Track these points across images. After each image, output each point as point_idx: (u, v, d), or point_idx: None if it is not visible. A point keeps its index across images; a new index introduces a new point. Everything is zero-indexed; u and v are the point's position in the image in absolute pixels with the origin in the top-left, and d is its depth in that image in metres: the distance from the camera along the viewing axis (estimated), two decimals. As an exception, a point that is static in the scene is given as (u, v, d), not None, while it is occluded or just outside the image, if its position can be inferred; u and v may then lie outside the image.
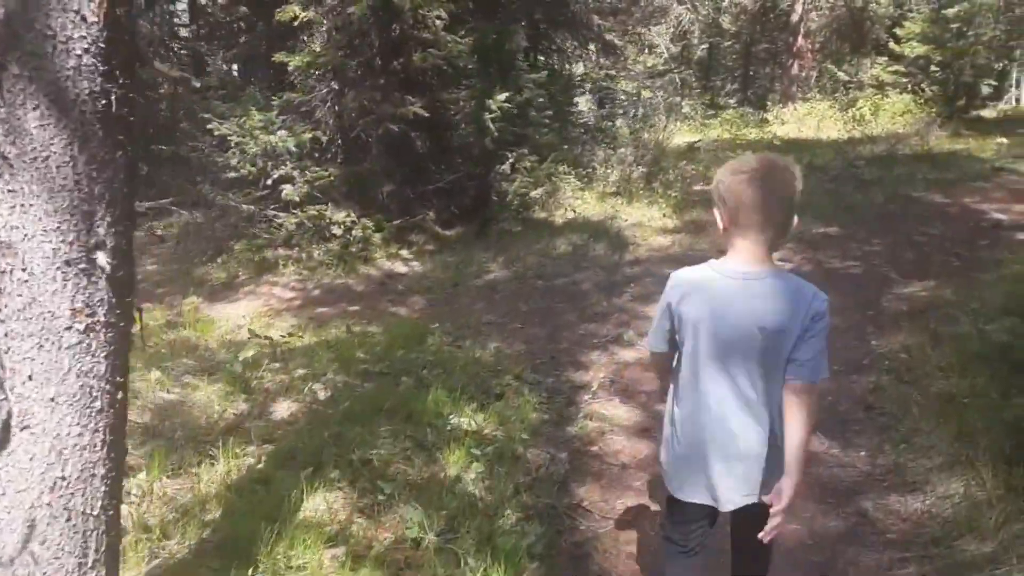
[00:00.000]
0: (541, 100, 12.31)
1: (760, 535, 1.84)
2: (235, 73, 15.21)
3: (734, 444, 1.90)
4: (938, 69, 20.08)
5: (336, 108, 8.86)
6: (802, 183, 1.89)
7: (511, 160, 10.19)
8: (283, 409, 4.24)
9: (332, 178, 8.76)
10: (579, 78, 13.13)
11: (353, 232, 8.48)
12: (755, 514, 1.88)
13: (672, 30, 25.59)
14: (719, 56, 31.63)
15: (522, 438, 3.90)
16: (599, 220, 9.75)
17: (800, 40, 23.66)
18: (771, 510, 1.82)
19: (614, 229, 9.04)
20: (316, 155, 9.11)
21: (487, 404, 4.33)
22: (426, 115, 8.43)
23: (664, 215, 9.75)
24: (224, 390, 4.50)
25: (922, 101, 18.00)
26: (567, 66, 13.85)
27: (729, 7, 26.28)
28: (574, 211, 10.13)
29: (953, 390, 3.93)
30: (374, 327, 6.00)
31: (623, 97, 25.05)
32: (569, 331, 5.79)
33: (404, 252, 8.82)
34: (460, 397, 4.29)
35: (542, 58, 14.04)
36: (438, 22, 8.37)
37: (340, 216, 8.73)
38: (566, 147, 12.91)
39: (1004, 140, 12.58)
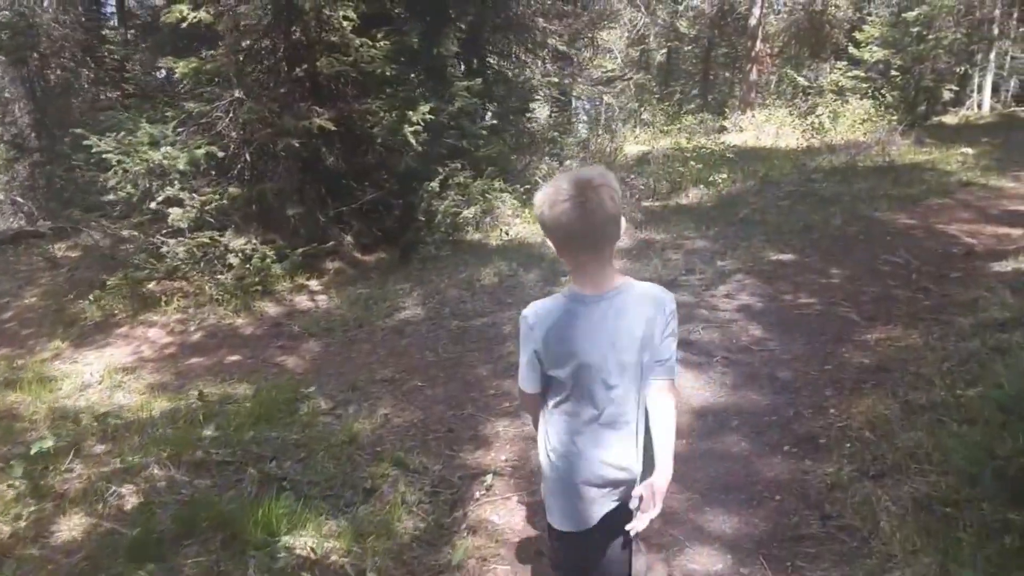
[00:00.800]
0: (486, 109, 11.46)
1: (628, 526, 1.89)
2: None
3: (609, 465, 1.93)
4: (898, 74, 19.62)
5: (239, 120, 7.84)
6: (620, 192, 1.86)
7: (441, 176, 9.27)
8: (71, 526, 3.24)
9: (232, 199, 7.75)
10: (522, 84, 12.21)
11: (252, 261, 7.48)
12: (619, 520, 1.94)
13: (628, 34, 24.90)
14: (679, 61, 31.04)
15: (378, 567, 2.96)
16: (536, 242, 8.84)
17: (758, 44, 23.08)
18: (642, 504, 1.85)
19: (550, 255, 8.12)
20: (214, 173, 8.08)
21: (349, 508, 3.40)
22: (333, 128, 7.45)
23: (608, 236, 8.88)
24: (13, 492, 3.49)
25: (882, 107, 17.47)
26: (512, 73, 12.96)
27: (685, 11, 25.68)
28: (507, 233, 9.21)
29: (932, 491, 3.07)
30: (244, 387, 5.01)
31: (576, 105, 24.30)
32: (478, 390, 4.86)
33: (312, 283, 7.84)
34: (312, 501, 3.34)
35: (494, 61, 13.17)
36: (345, 23, 7.40)
37: (239, 243, 7.73)
38: (514, 158, 12.05)
39: (969, 151, 11.96)
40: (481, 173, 10.14)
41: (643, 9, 19.90)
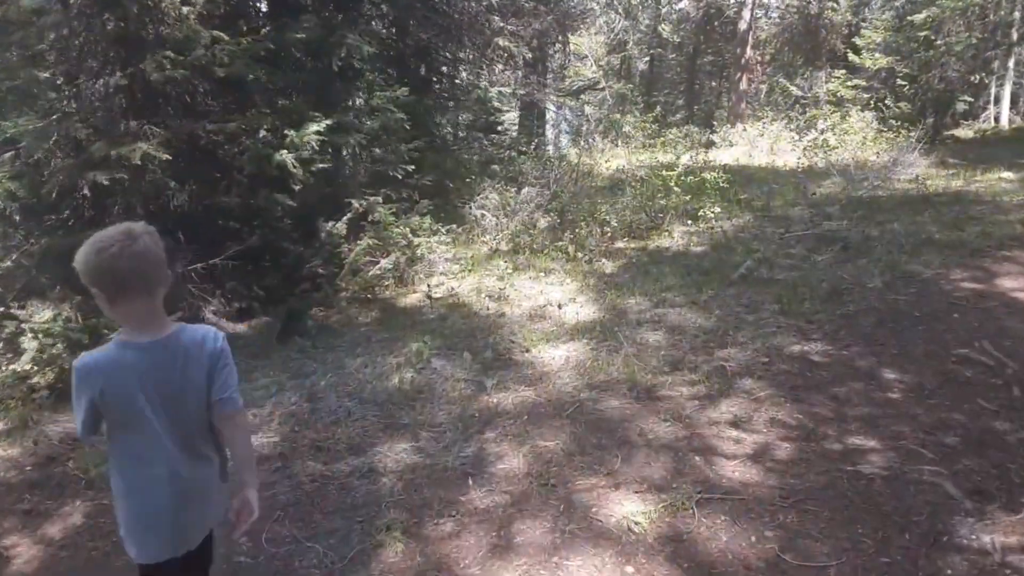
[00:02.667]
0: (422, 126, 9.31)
1: (236, 535, 2.25)
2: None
3: (183, 496, 2.01)
4: (905, 83, 17.69)
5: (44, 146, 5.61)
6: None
7: (350, 215, 7.11)
8: None
9: (42, 255, 5.54)
10: (467, 94, 10.04)
11: (54, 348, 5.24)
12: (205, 548, 2.16)
13: (606, 40, 22.86)
14: (662, 69, 29.00)
15: None
16: (477, 303, 6.67)
17: (748, 51, 21.09)
18: (239, 518, 1.99)
19: (488, 326, 5.96)
20: (18, 218, 5.85)
21: None
22: (165, 156, 5.24)
23: (568, 294, 6.71)
24: None
25: (887, 120, 15.52)
26: (458, 80, 10.81)
27: (668, 14, 23.67)
28: (430, 294, 6.99)
29: None
30: None
31: (556, 118, 22.19)
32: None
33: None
34: None
35: (445, 69, 11.02)
36: (185, 9, 5.20)
37: (45, 317, 5.52)
38: (459, 185, 9.88)
39: (1009, 174, 9.91)
40: (411, 208, 7.99)
41: (620, 11, 17.81)
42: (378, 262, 7.13)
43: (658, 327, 5.53)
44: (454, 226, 8.03)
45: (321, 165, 6.31)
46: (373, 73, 8.02)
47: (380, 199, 7.62)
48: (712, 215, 8.51)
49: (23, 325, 5.30)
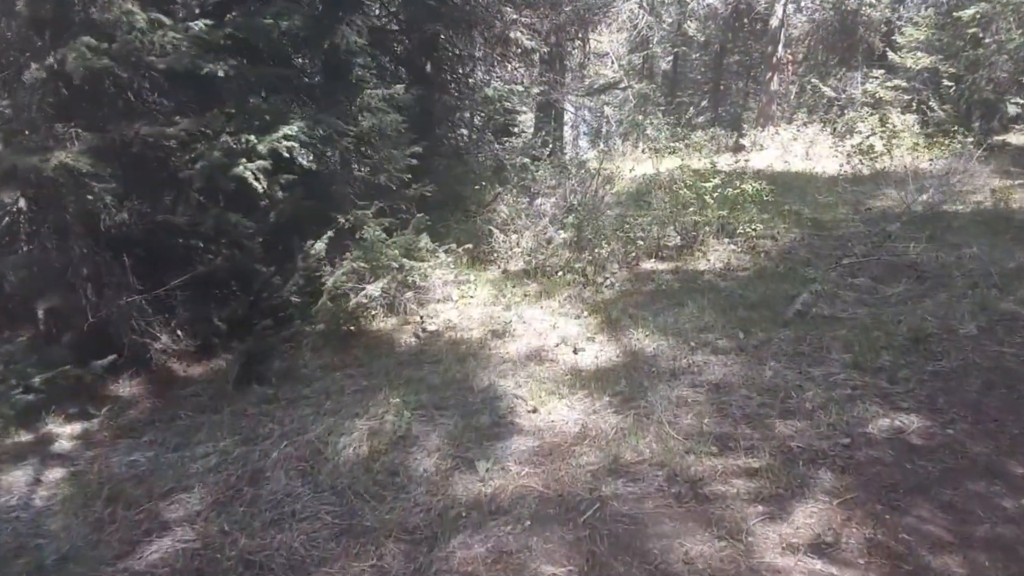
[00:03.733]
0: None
1: None
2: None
3: None
4: (951, 84, 16.42)
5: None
6: None
7: (331, 232, 6.07)
8: None
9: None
10: (474, 93, 8.99)
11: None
12: None
13: (629, 38, 21.72)
14: (687, 68, 27.76)
15: None
16: (478, 341, 5.61)
17: (780, 50, 19.86)
18: None
19: (487, 373, 4.88)
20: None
21: None
22: (89, 167, 4.22)
23: (586, 330, 5.62)
24: None
25: (931, 124, 14.31)
26: (464, 78, 9.75)
27: (695, 11, 22.47)
28: (423, 327, 5.93)
29: None
30: None
31: (574, 119, 21.03)
32: None
33: (67, 431, 4.58)
34: None
35: (452, 66, 9.98)
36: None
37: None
38: (481, 188, 8.80)
39: (1092, 188, 8.70)
40: (406, 223, 6.95)
41: (644, 5, 16.67)
42: (364, 288, 6.07)
43: (698, 383, 4.42)
44: (454, 245, 6.94)
45: (288, 176, 5.26)
46: (365, 68, 6.96)
47: (371, 213, 6.58)
48: (754, 232, 7.38)
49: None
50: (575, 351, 5.17)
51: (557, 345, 5.35)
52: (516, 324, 5.85)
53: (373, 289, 6.10)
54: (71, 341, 4.98)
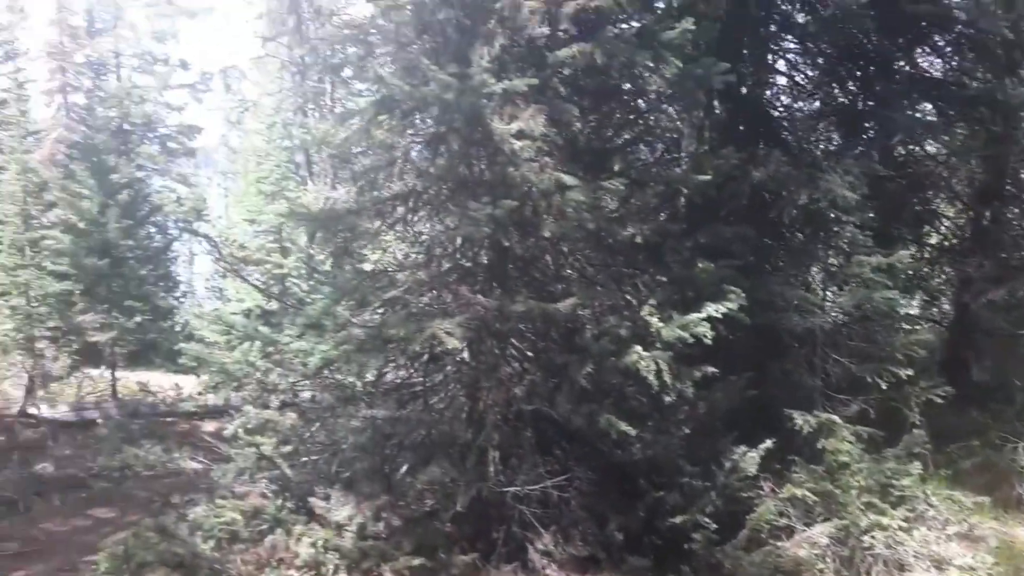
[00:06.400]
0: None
1: None
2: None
3: None
4: None
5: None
6: None
7: (771, 442, 4.68)
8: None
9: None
10: None
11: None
12: None
13: None
14: None
15: None
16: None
17: None
18: None
19: None
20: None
21: None
22: (454, 344, 3.68)
23: None
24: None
25: None
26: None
27: None
28: None
29: None
30: None
31: None
32: None
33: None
34: None
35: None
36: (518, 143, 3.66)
37: (343, 514, 4.49)
38: None
39: None
40: (896, 437, 5.05)
41: None
42: (803, 531, 4.32)
43: None
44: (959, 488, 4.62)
45: (711, 369, 4.01)
46: (856, 228, 5.31)
47: (839, 419, 4.86)
48: None
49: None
50: None
51: None
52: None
53: (817, 533, 4.30)
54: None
